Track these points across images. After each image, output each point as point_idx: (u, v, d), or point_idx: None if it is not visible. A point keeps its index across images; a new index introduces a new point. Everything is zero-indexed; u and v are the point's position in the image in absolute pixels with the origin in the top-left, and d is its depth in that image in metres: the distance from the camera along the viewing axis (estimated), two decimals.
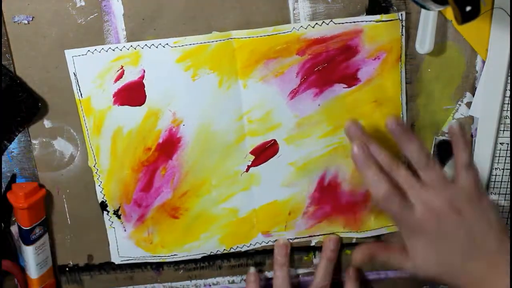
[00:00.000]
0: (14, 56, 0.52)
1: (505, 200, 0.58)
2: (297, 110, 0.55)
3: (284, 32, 0.52)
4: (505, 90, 0.54)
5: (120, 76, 0.53)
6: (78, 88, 0.53)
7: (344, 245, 0.61)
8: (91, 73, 0.52)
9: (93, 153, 0.55)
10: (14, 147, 0.55)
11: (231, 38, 0.52)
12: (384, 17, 0.52)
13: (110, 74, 0.52)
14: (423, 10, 0.52)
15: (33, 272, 0.57)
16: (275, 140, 0.56)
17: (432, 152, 0.57)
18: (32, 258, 0.57)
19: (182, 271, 0.61)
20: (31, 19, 0.51)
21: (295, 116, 0.55)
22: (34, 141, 0.55)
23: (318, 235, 0.60)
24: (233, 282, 0.63)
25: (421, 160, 0.50)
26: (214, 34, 0.52)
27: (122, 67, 0.52)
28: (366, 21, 0.52)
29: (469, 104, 0.56)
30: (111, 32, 0.52)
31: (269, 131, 0.55)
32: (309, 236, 0.60)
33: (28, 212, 0.55)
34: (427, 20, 0.52)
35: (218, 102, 0.54)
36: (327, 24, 0.52)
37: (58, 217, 0.58)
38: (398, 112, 0.55)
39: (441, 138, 0.57)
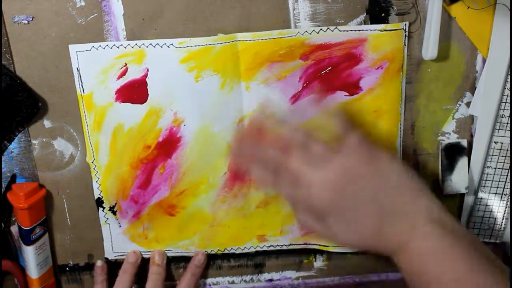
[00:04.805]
0: (14, 56, 0.52)
1: (509, 200, 0.58)
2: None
3: (288, 36, 0.52)
4: (503, 89, 0.54)
5: (123, 74, 0.53)
6: (80, 84, 0.53)
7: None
8: (94, 69, 0.52)
9: (91, 149, 0.55)
10: (14, 147, 0.55)
11: (236, 41, 0.52)
12: (388, 26, 0.52)
13: (113, 71, 0.52)
14: (427, 17, 0.51)
15: (33, 272, 0.57)
16: None
17: (439, 157, 0.57)
18: (32, 258, 0.57)
19: (182, 270, 0.61)
20: (31, 19, 0.51)
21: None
22: (34, 141, 0.55)
23: (313, 244, 0.60)
24: (233, 282, 0.63)
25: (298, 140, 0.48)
26: (219, 36, 0.52)
27: (125, 64, 0.52)
28: (371, 30, 0.52)
29: (469, 104, 0.56)
30: (111, 32, 0.52)
31: None
32: (304, 244, 0.60)
33: (28, 212, 0.55)
34: (429, 27, 0.51)
35: (220, 104, 0.54)
36: (332, 31, 0.52)
37: (58, 217, 0.58)
38: (396, 124, 0.55)
39: (448, 142, 0.57)
